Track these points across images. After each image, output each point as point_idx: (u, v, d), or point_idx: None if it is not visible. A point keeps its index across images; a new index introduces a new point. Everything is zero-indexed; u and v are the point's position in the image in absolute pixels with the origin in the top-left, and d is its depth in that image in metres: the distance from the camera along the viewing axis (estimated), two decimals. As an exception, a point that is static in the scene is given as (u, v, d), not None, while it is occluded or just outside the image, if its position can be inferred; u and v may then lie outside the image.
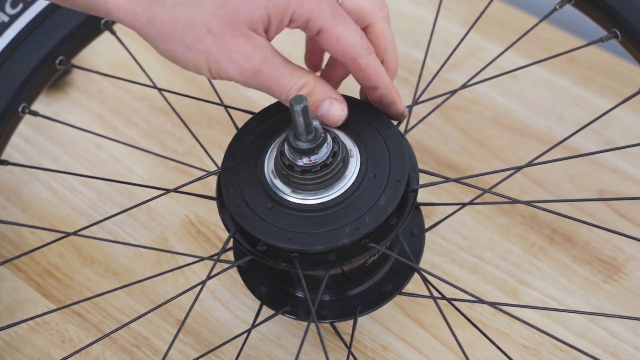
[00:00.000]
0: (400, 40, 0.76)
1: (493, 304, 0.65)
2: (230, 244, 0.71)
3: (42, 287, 0.81)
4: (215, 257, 0.65)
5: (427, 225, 0.71)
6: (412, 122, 0.72)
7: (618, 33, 0.71)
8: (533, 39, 0.74)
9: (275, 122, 0.66)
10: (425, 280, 0.67)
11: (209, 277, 0.67)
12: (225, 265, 0.69)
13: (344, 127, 0.64)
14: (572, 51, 0.73)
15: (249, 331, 0.70)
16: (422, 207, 0.72)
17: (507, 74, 0.74)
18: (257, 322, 0.70)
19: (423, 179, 0.66)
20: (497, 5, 1.00)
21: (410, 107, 0.71)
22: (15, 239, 0.84)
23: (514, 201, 0.74)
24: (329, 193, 0.62)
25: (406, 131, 0.71)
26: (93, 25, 0.75)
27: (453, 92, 0.73)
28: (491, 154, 0.87)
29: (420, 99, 0.71)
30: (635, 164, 0.87)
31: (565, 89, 0.92)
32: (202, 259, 0.70)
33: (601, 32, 0.72)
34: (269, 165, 0.63)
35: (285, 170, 0.62)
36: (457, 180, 0.68)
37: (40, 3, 0.72)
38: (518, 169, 0.69)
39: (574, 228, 0.80)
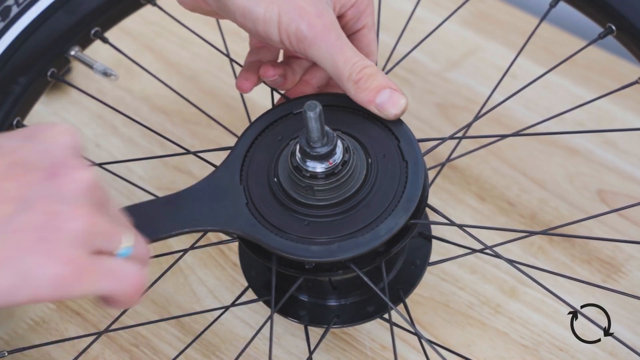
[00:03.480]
0: (400, 40, 0.76)
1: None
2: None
3: (42, 287, 0.81)
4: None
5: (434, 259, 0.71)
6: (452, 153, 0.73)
7: (613, 28, 0.70)
8: (532, 38, 0.74)
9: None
10: (392, 324, 0.67)
11: (233, 304, 0.69)
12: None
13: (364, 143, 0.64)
14: (577, 53, 0.73)
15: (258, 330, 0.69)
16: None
17: (508, 75, 0.74)
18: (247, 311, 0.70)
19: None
20: (497, 5, 1.00)
21: None
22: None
23: (529, 233, 0.74)
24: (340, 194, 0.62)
25: (448, 160, 0.72)
26: (86, 35, 0.75)
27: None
28: (490, 153, 0.87)
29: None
30: (635, 164, 0.87)
31: (565, 89, 0.92)
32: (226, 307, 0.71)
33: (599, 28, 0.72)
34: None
35: (306, 182, 0.62)
36: (460, 227, 0.68)
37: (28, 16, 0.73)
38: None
39: (573, 227, 0.80)
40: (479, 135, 0.77)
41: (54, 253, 0.49)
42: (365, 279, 0.63)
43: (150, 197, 0.74)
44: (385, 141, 0.64)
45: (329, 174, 0.61)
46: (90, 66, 0.74)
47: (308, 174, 0.61)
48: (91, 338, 0.69)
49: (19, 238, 0.49)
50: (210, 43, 0.78)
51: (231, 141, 0.67)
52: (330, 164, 0.61)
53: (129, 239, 0.53)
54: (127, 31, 0.97)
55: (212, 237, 0.80)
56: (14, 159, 0.51)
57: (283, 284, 0.68)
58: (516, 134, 0.80)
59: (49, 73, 0.73)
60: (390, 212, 0.61)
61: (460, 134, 0.72)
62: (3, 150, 0.51)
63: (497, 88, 0.72)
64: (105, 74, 0.73)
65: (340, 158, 0.61)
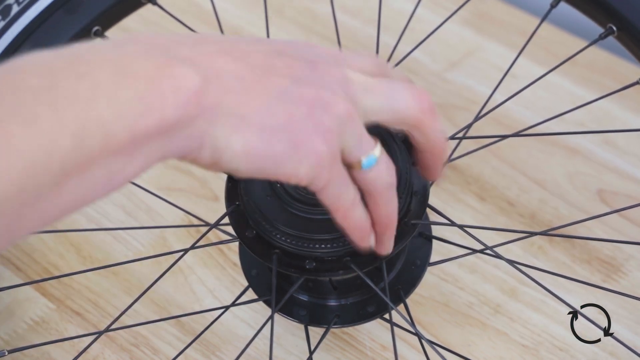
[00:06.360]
0: (401, 40, 0.76)
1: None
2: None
3: (42, 287, 0.81)
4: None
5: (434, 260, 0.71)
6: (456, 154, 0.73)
7: (614, 28, 0.70)
8: (532, 38, 0.74)
9: None
10: (394, 324, 0.66)
11: (233, 304, 0.69)
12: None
13: None
14: (578, 53, 0.73)
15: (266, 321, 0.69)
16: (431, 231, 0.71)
17: (508, 75, 0.74)
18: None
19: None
20: (497, 5, 1.00)
21: None
22: (14, 238, 0.84)
23: (529, 234, 0.74)
24: None
25: (448, 160, 0.71)
26: (87, 34, 0.75)
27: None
28: (490, 153, 0.87)
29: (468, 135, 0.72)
30: (635, 164, 0.87)
31: (565, 89, 0.92)
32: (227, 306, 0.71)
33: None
34: None
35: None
36: (461, 227, 0.68)
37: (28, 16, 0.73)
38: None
39: (574, 227, 0.80)
40: (479, 136, 0.77)
41: (320, 130, 0.50)
42: (366, 279, 0.63)
43: (151, 197, 0.75)
44: (388, 138, 0.64)
45: None
46: None
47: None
48: (91, 338, 0.69)
49: (293, 109, 0.50)
50: (210, 43, 0.78)
51: (231, 141, 0.67)
52: None
53: (376, 149, 0.54)
54: (127, 31, 0.97)
55: (212, 237, 0.80)
56: (276, 49, 0.52)
57: (283, 283, 0.68)
58: (517, 134, 0.80)
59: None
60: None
61: (460, 135, 0.72)
62: (267, 44, 0.53)
63: (497, 88, 0.72)
64: None
65: None
